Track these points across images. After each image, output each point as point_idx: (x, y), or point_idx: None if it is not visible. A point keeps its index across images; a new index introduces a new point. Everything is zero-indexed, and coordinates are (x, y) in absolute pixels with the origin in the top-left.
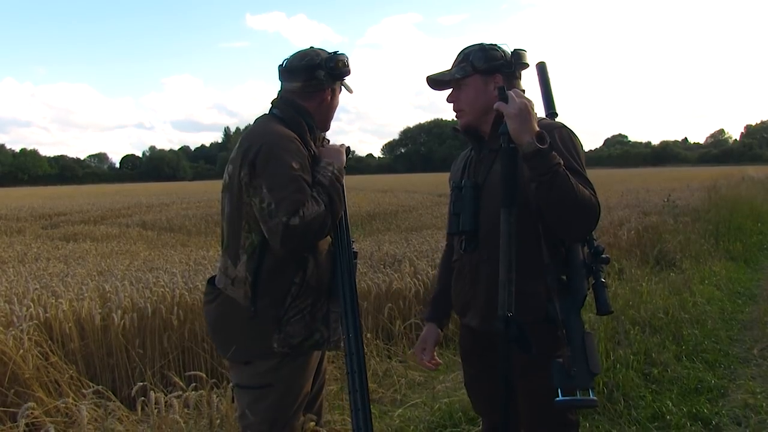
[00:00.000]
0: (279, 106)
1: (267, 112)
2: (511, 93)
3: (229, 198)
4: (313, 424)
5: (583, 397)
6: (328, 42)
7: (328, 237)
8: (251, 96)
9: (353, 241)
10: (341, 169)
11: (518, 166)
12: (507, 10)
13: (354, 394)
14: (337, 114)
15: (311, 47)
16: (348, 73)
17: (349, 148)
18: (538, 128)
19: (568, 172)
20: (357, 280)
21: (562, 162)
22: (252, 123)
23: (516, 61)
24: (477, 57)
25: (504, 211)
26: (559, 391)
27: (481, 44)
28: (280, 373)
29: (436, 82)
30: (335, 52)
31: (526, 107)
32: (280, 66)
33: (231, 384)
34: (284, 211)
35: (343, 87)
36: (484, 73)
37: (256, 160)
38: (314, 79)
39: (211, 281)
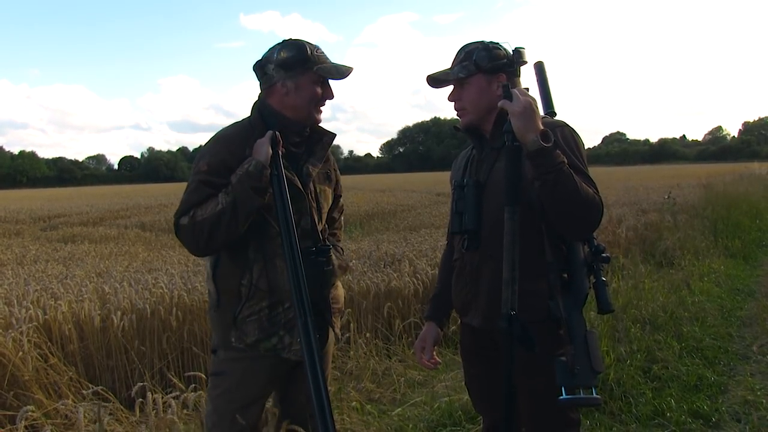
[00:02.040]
0: (251, 108)
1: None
2: (515, 91)
3: None
4: (287, 422)
5: (586, 396)
6: (323, 41)
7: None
8: (248, 96)
9: (329, 248)
10: (259, 163)
11: (521, 164)
12: (502, 7)
13: (310, 401)
14: (334, 113)
15: (282, 40)
16: (298, 61)
17: (275, 133)
18: (542, 126)
19: (571, 171)
20: (356, 280)
21: (566, 160)
22: None
23: (517, 59)
24: (481, 56)
25: (508, 210)
26: (563, 389)
27: (483, 42)
28: (235, 365)
29: (437, 80)
30: (283, 41)
31: (531, 105)
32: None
33: None
34: (177, 211)
35: (323, 75)
36: (488, 72)
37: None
38: (266, 74)
39: None
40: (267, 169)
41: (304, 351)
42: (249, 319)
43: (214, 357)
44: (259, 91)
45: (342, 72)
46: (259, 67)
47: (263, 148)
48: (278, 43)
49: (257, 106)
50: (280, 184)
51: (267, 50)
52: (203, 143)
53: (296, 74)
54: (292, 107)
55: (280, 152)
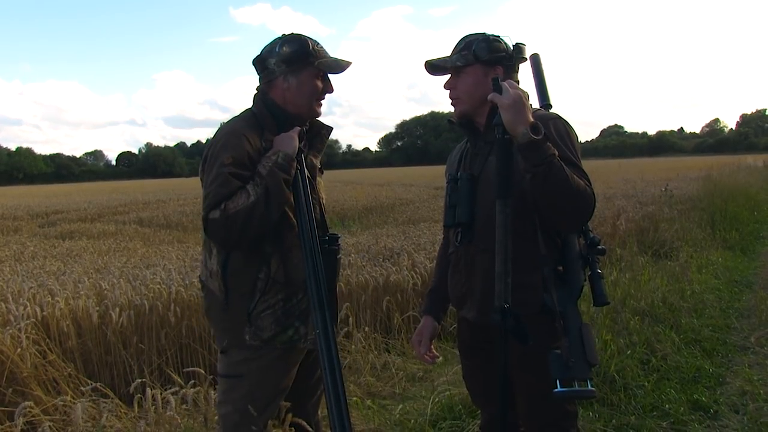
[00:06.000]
0: (253, 100)
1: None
2: (505, 84)
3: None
4: (290, 415)
5: (580, 388)
6: (315, 34)
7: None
8: (243, 91)
9: (338, 236)
10: (288, 156)
11: (513, 157)
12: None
13: (327, 392)
14: (330, 107)
15: (282, 35)
16: (300, 55)
17: (303, 130)
18: (532, 119)
19: (562, 163)
20: (355, 274)
21: (556, 153)
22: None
23: (516, 54)
24: (480, 47)
25: (499, 203)
26: (557, 382)
27: (484, 34)
28: (251, 365)
29: (434, 67)
30: (283, 36)
31: (520, 98)
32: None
33: None
34: (206, 205)
35: (324, 70)
36: (486, 63)
37: (206, 157)
38: (266, 68)
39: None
40: (295, 162)
41: (320, 341)
42: (264, 313)
43: (225, 357)
44: (259, 85)
45: (342, 66)
46: (260, 62)
47: (293, 142)
48: (279, 38)
49: (260, 99)
50: (303, 177)
51: (267, 45)
52: (202, 138)
53: (297, 69)
54: (294, 102)
55: (301, 147)
